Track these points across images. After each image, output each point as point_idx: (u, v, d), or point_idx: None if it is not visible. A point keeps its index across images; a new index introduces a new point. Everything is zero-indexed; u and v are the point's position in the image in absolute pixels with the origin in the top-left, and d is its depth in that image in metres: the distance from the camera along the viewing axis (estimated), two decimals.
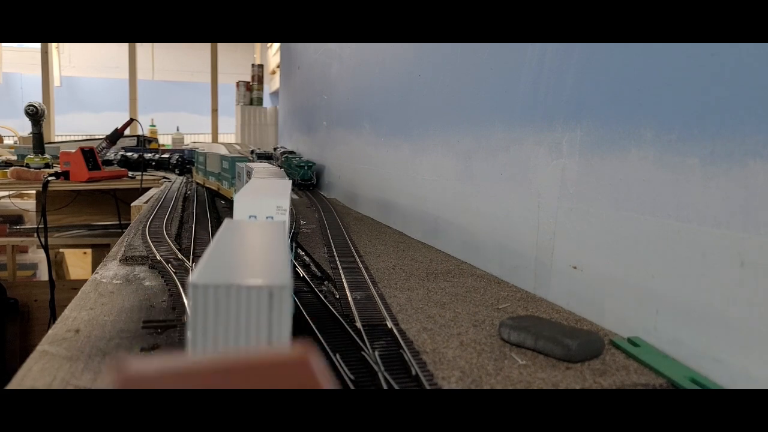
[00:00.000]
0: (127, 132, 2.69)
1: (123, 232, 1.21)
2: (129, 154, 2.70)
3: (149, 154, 2.75)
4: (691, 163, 0.56)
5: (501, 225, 0.90)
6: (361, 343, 0.58)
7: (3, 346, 2.48)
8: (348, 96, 1.82)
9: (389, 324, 0.63)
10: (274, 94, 4.55)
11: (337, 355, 0.54)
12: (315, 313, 0.69)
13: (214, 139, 4.25)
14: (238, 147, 3.32)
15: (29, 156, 2.52)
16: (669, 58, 0.59)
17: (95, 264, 2.84)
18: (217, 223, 1.24)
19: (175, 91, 5.82)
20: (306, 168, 2.08)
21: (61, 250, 3.11)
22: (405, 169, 1.30)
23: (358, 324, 0.63)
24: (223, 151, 2.44)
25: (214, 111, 4.29)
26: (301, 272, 0.88)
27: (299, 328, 0.64)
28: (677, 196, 0.57)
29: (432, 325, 0.65)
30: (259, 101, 4.22)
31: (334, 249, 1.02)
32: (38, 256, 3.34)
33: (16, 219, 3.01)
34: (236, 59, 5.10)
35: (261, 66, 4.34)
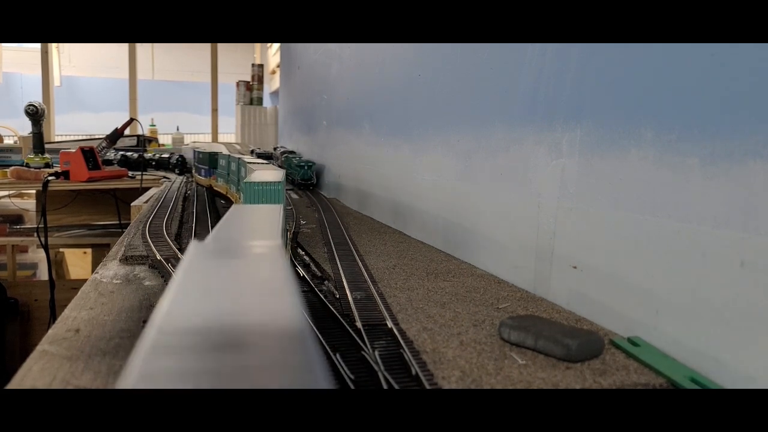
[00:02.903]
0: (127, 132, 2.69)
1: (123, 232, 1.21)
2: (129, 154, 2.71)
3: (149, 154, 2.75)
4: (691, 163, 0.56)
5: (501, 225, 0.90)
6: (361, 343, 0.58)
7: (3, 346, 2.48)
8: (348, 96, 1.82)
9: (389, 324, 0.64)
10: (274, 94, 4.55)
11: (337, 355, 0.54)
12: (315, 312, 0.69)
13: (214, 139, 4.25)
14: (238, 147, 3.32)
15: (29, 156, 2.53)
16: (669, 58, 0.59)
17: (95, 264, 2.84)
18: (217, 223, 1.23)
19: (175, 91, 5.82)
20: (306, 168, 2.09)
21: (61, 249, 3.11)
22: (405, 169, 1.30)
23: (358, 324, 0.63)
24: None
25: (214, 111, 4.29)
26: (301, 272, 0.88)
27: None
28: (677, 196, 0.57)
29: (432, 325, 0.65)
30: (259, 101, 4.22)
31: (334, 248, 1.02)
32: (38, 255, 3.34)
33: (16, 219, 3.01)
34: (236, 59, 5.10)
35: (261, 66, 4.34)
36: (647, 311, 0.61)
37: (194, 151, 1.99)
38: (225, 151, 1.93)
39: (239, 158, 1.30)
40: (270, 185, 0.80)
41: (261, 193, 0.79)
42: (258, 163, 1.19)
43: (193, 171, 1.99)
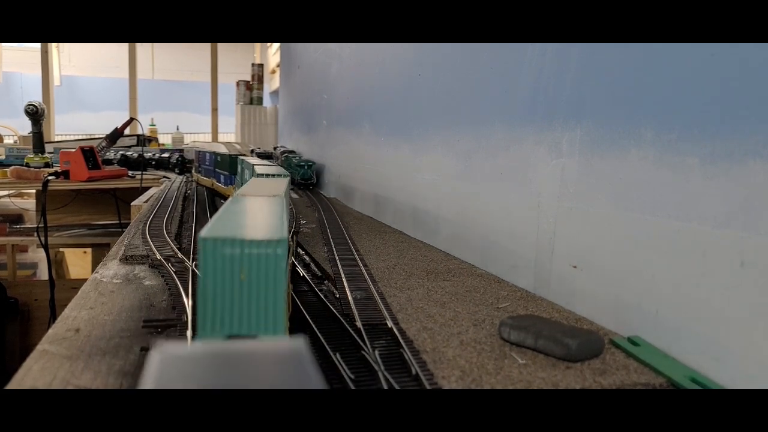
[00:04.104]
0: (127, 131, 2.69)
1: (123, 232, 1.21)
2: (129, 153, 2.70)
3: (149, 154, 2.75)
4: (691, 162, 0.56)
5: (501, 225, 0.90)
6: (361, 343, 0.58)
7: (3, 345, 2.48)
8: (348, 96, 1.82)
9: (389, 323, 0.64)
10: (274, 94, 4.55)
11: (337, 355, 0.54)
12: (315, 312, 0.69)
13: (214, 139, 4.25)
14: (238, 146, 3.32)
15: (29, 155, 2.53)
16: (668, 57, 0.59)
17: (95, 263, 2.84)
18: None
19: (175, 91, 5.81)
20: (306, 167, 2.09)
21: (61, 249, 3.11)
22: (405, 169, 1.30)
23: (358, 323, 0.63)
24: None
25: (214, 110, 4.29)
26: (301, 271, 0.88)
27: (300, 328, 0.64)
28: (677, 196, 0.57)
29: (432, 325, 0.65)
30: (259, 100, 4.22)
31: (334, 248, 1.02)
32: (38, 255, 3.34)
33: (16, 218, 3.01)
34: (236, 59, 5.09)
35: (261, 65, 4.34)
36: (647, 311, 0.61)
37: (199, 152, 1.76)
38: (222, 150, 1.78)
39: (253, 166, 0.98)
40: (259, 247, 0.36)
41: (233, 267, 0.36)
42: (267, 176, 0.82)
43: (195, 173, 1.81)
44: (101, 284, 0.79)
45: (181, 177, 2.32)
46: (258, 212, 0.49)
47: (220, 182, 1.51)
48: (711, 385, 0.51)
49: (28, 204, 3.05)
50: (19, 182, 2.28)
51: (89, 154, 2.21)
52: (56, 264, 3.03)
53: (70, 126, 5.14)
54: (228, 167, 1.42)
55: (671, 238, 0.58)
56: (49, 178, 2.15)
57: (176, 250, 0.96)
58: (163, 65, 5.68)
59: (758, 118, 0.49)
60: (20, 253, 3.30)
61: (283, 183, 0.71)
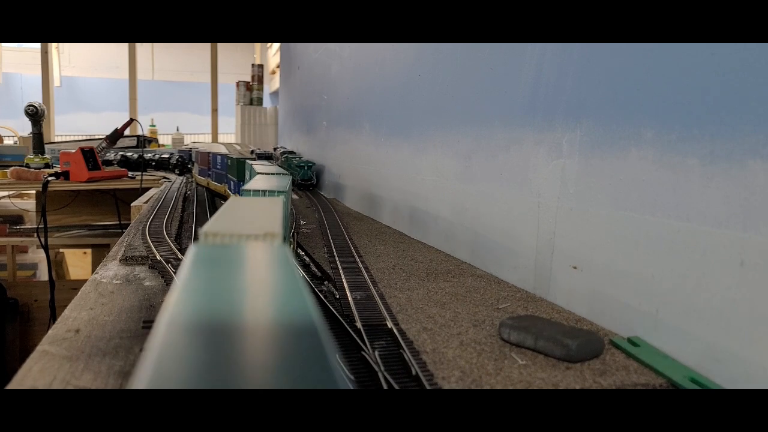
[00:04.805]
0: (127, 132, 2.69)
1: (123, 232, 1.21)
2: (129, 154, 2.70)
3: (149, 154, 2.75)
4: (691, 163, 0.56)
5: (501, 225, 0.90)
6: (361, 343, 0.58)
7: (3, 346, 2.48)
8: (348, 96, 1.82)
9: (389, 324, 0.63)
10: (274, 94, 4.55)
11: (337, 355, 0.54)
12: None
13: (214, 139, 4.25)
14: (238, 147, 3.32)
15: (29, 156, 2.53)
16: (669, 57, 0.59)
17: (95, 264, 2.84)
18: None
19: (175, 91, 5.82)
20: (306, 168, 2.09)
21: (61, 250, 3.11)
22: (405, 169, 1.30)
23: (358, 324, 0.63)
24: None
25: (214, 111, 4.30)
26: (301, 272, 0.88)
27: None
28: (677, 196, 0.57)
29: (432, 325, 0.65)
30: (259, 101, 4.22)
31: (334, 249, 1.02)
32: (38, 256, 3.34)
33: (16, 219, 3.01)
34: (236, 59, 5.10)
35: (261, 66, 4.34)
36: (647, 311, 0.61)
37: (208, 153, 1.68)
38: (222, 151, 1.76)
39: (258, 174, 0.89)
40: None
41: None
42: (255, 192, 0.67)
43: (203, 176, 1.76)
44: (101, 285, 0.79)
45: (181, 178, 2.33)
46: (256, 298, 0.25)
47: (231, 190, 1.36)
48: (711, 385, 0.51)
49: (28, 205, 3.05)
50: (19, 183, 2.28)
51: (89, 155, 2.21)
52: (56, 265, 3.03)
53: (70, 127, 5.15)
54: (235, 172, 1.26)
55: (671, 238, 0.58)
56: (49, 178, 2.15)
57: (176, 250, 0.96)
58: (163, 66, 5.68)
59: (758, 118, 0.49)
60: (20, 253, 3.30)
61: (277, 205, 0.47)
